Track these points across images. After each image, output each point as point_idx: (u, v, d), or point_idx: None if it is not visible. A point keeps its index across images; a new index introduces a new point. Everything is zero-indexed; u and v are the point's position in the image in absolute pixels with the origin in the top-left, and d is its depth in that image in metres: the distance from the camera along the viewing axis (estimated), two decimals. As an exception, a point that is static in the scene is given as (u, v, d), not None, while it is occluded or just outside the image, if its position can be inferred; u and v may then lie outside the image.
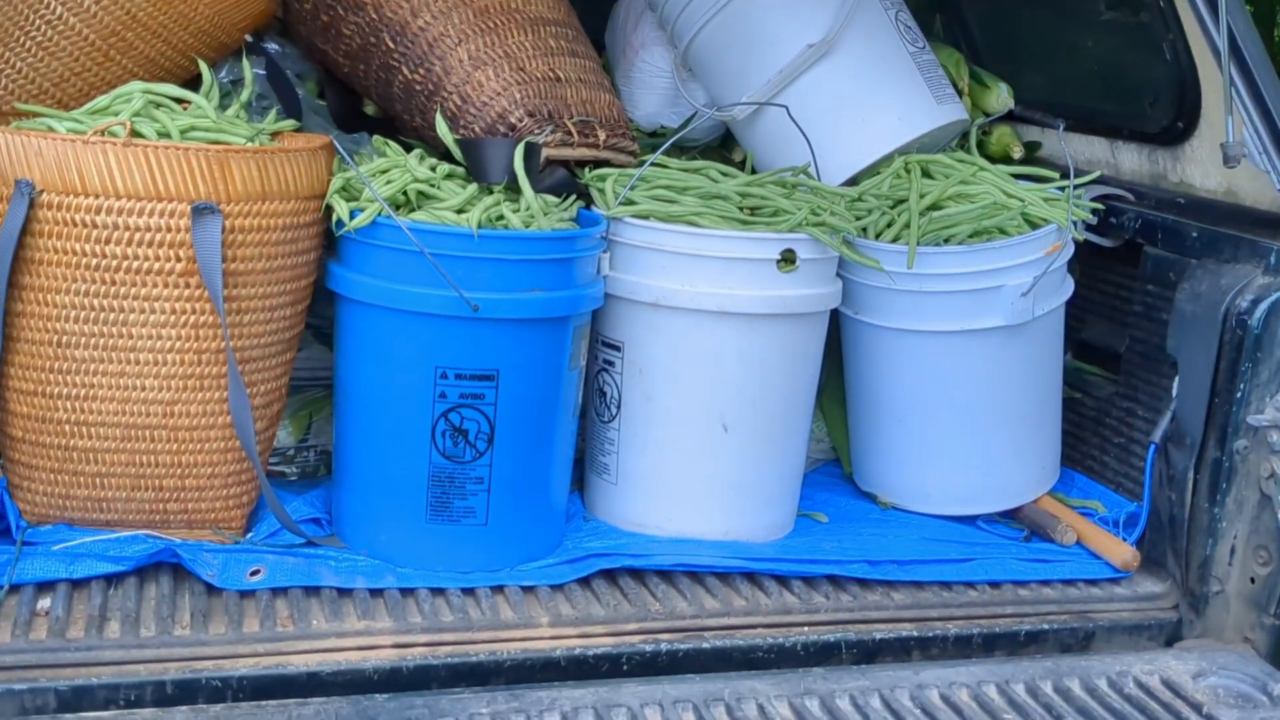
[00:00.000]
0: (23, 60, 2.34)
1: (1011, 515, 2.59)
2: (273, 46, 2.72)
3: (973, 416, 2.52)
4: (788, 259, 2.32)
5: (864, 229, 2.47)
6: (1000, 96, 2.97)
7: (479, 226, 2.10)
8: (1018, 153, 2.94)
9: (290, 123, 2.37)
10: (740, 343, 2.33)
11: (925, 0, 3.29)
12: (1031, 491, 2.59)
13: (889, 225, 2.50)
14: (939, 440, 2.54)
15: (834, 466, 2.82)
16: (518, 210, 2.19)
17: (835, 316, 2.52)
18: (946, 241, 2.45)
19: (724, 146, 3.01)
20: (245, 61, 2.34)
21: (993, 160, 2.89)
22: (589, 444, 2.49)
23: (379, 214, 2.10)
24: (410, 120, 2.54)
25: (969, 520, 2.57)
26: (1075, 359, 2.78)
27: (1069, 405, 2.71)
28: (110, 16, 2.33)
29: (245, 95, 2.29)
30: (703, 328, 2.31)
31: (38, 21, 2.31)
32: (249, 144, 2.08)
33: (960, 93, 2.91)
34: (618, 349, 2.39)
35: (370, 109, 2.75)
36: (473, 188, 2.20)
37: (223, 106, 2.33)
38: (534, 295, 2.15)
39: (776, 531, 2.44)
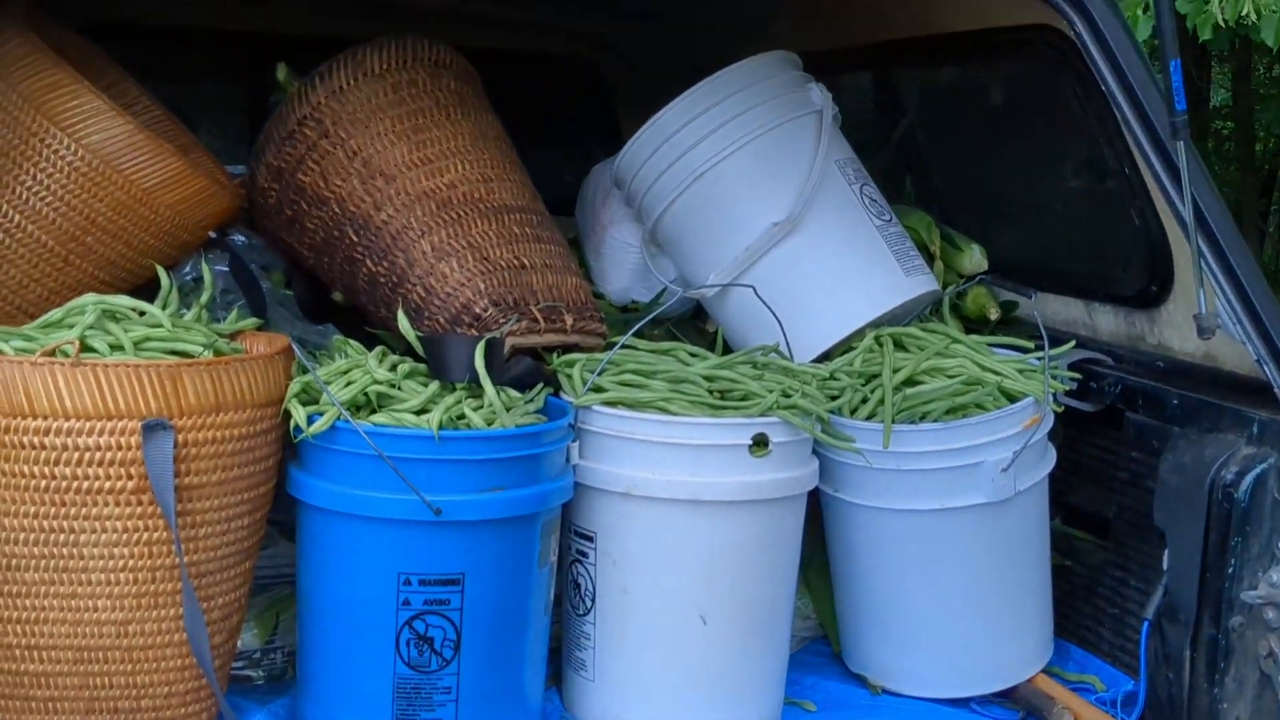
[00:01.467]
0: (-21, 269, 2.32)
1: (1006, 695, 2.50)
2: (238, 238, 2.71)
3: (959, 595, 2.45)
4: (760, 443, 2.27)
5: (838, 407, 2.43)
6: (973, 258, 2.96)
7: (440, 428, 2.05)
8: (994, 314, 2.91)
9: (252, 321, 2.34)
10: (715, 532, 2.27)
11: (894, 162, 3.31)
12: (1025, 669, 2.50)
13: (863, 402, 2.46)
14: (926, 620, 2.46)
15: (823, 644, 2.73)
16: (480, 408, 2.15)
17: (816, 492, 2.47)
18: (923, 418, 2.41)
19: (698, 316, 2.99)
20: (204, 263, 2.32)
21: (968, 321, 2.86)
22: (565, 638, 2.40)
23: (338, 418, 2.06)
24: (376, 311, 2.52)
25: (962, 703, 2.48)
26: (1063, 524, 2.71)
27: (1059, 573, 2.63)
28: (69, 223, 2.32)
29: (204, 297, 2.26)
30: (676, 517, 2.25)
31: (-5, 230, 2.30)
32: (203, 354, 2.05)
33: (932, 256, 2.89)
34: (590, 540, 2.32)
35: (339, 296, 2.73)
36: (434, 386, 2.16)
37: (185, 305, 2.31)
38: (499, 494, 2.09)
39: (762, 725, 2.35)
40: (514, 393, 2.25)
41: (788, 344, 2.53)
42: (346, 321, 2.63)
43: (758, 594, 2.32)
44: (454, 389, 2.18)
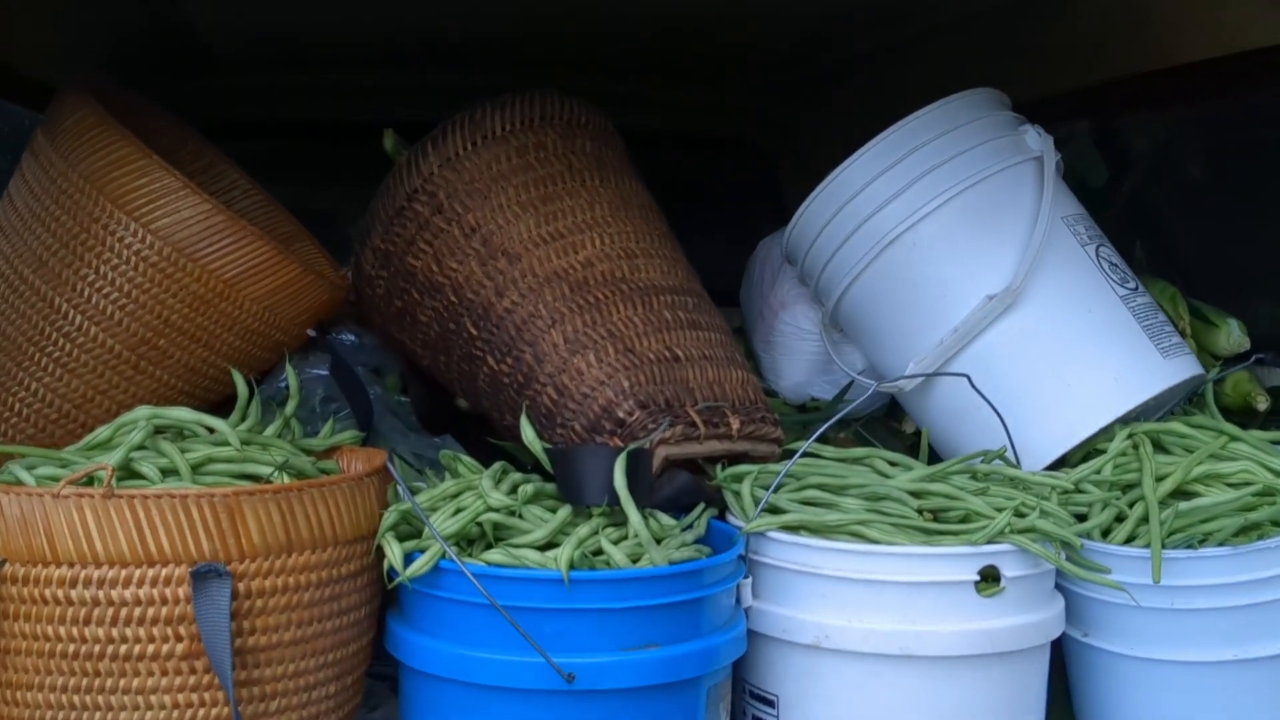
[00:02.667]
0: (38, 381, 1.97)
1: None
2: (347, 337, 2.32)
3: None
4: (990, 579, 1.74)
5: (1088, 530, 1.88)
6: (1232, 335, 2.38)
7: (570, 568, 1.58)
8: (1262, 403, 2.32)
9: (349, 435, 1.93)
10: (934, 696, 1.73)
11: (1122, 226, 2.76)
12: None
13: (1118, 521, 1.91)
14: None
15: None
16: (623, 539, 1.68)
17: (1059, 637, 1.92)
18: (1204, 541, 1.84)
19: (892, 415, 2.47)
20: (289, 367, 1.92)
21: (1228, 413, 2.28)
22: (742, 825, 1.89)
23: (441, 557, 1.61)
24: (501, 419, 2.08)
25: None
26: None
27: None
28: (138, 324, 1.95)
29: (290, 407, 1.86)
30: (881, 677, 1.73)
31: (54, 335, 1.95)
32: (273, 477, 1.63)
33: (1183, 335, 2.33)
34: (771, 704, 1.81)
35: (464, 403, 2.31)
36: (565, 513, 1.69)
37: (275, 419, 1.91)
38: (649, 653, 1.61)
39: None
40: (666, 519, 1.77)
41: (1013, 448, 2.00)
42: (471, 432, 2.20)
43: (991, 775, 1.78)
44: (590, 515, 1.71)
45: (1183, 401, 2.23)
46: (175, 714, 1.55)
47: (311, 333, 2.14)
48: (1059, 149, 2.25)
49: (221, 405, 1.98)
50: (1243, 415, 2.30)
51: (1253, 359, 2.28)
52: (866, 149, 2.16)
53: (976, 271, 2.09)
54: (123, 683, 1.53)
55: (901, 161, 2.13)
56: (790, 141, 3.89)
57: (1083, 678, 1.96)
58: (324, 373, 2.16)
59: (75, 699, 1.53)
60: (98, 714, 1.54)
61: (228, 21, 2.88)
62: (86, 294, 1.93)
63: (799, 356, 2.40)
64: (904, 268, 2.14)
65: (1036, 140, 2.18)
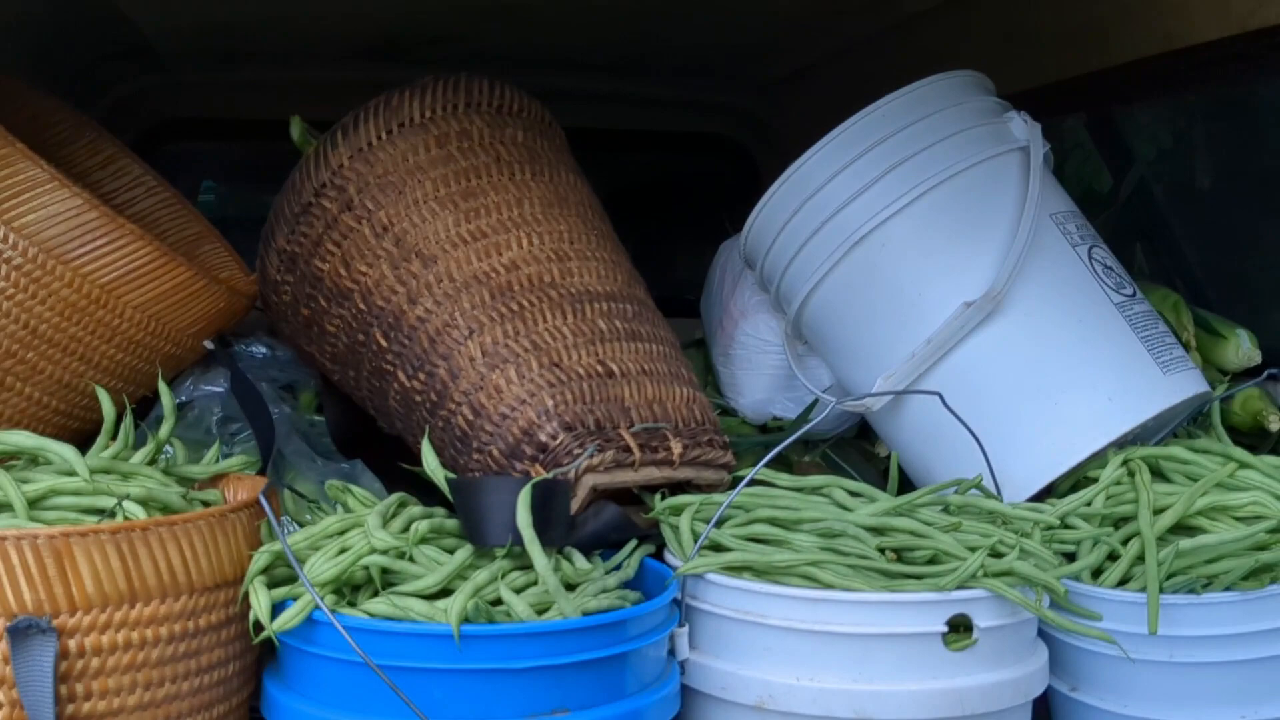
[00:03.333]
0: (-111, 398, 1.74)
1: None
2: (259, 350, 2.10)
3: None
4: (961, 628, 1.51)
5: (1075, 572, 1.65)
6: (1241, 348, 2.15)
7: (462, 620, 1.35)
8: (1275, 424, 2.08)
9: (238, 460, 1.70)
10: (895, 765, 1.50)
11: (1120, 228, 2.52)
12: None
13: (1111, 560, 1.67)
14: None
15: None
16: (530, 585, 1.44)
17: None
18: (1207, 586, 1.60)
19: (864, 436, 2.24)
20: (162, 386, 1.69)
21: (1238, 437, 2.04)
22: None
23: (313, 608, 1.38)
24: (415, 442, 1.85)
25: None
26: None
27: None
28: (3, 334, 1.72)
29: (163, 430, 1.63)
30: (835, 743, 1.50)
31: (-93, 347, 1.72)
32: (115, 515, 1.40)
33: (1186, 347, 2.09)
34: (710, 770, 1.58)
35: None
36: (463, 555, 1.46)
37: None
38: None
39: None
40: (582, 561, 1.53)
41: (993, 475, 1.77)
42: (390, 458, 1.97)
43: None
44: (495, 557, 1.48)
45: (1185, 422, 1.99)
46: (-5, 794, 1.31)
47: (209, 345, 1.91)
48: (1056, 145, 2.03)
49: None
50: (1253, 437, 2.07)
51: (1264, 375, 2.04)
52: (829, 139, 1.92)
53: (953, 275, 1.85)
54: (-70, 757, 1.30)
55: (869, 152, 1.90)
56: (771, 139, 3.67)
57: (1072, 737, 1.72)
58: (222, 390, 1.93)
59: (-123, 777, 1.30)
60: (-96, 793, 1.31)
61: (166, 17, 2.68)
62: (-56, 300, 1.71)
63: (760, 371, 2.17)
64: (872, 271, 1.90)
65: (1022, 128, 1.95)
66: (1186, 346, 2.10)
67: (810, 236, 1.95)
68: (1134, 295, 1.93)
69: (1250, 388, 2.08)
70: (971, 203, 1.88)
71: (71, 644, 1.31)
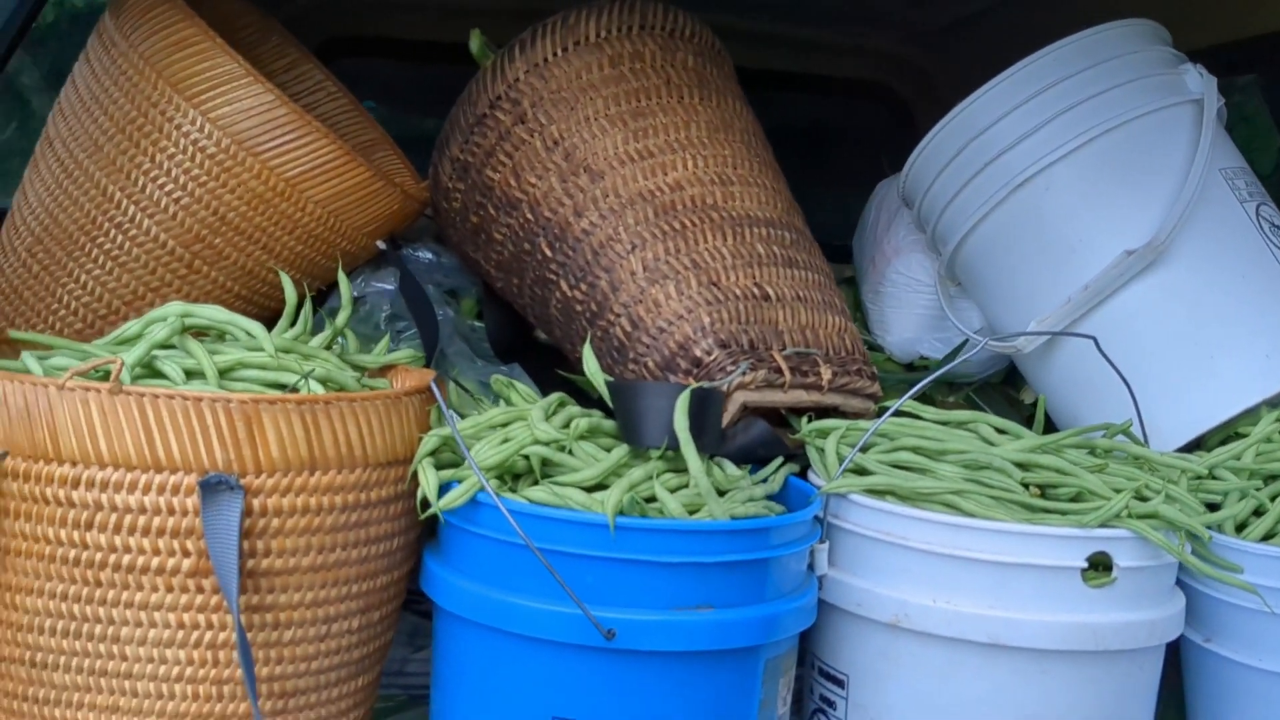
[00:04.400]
0: (88, 273, 1.86)
1: None
2: (425, 255, 2.18)
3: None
4: (1100, 566, 1.52)
5: (1219, 521, 1.65)
6: None
7: (618, 513, 1.41)
8: None
9: (405, 354, 1.78)
10: (1024, 693, 1.53)
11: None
12: None
13: (1256, 515, 1.66)
14: None
15: None
16: (681, 488, 1.50)
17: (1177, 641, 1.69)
18: (1357, 545, 1.59)
19: (1009, 383, 2.25)
20: (341, 274, 1.77)
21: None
22: (800, 813, 1.72)
23: (478, 489, 1.45)
24: (573, 350, 1.92)
25: None
26: None
27: None
28: (194, 219, 1.83)
29: (341, 318, 1.72)
30: (966, 666, 1.53)
31: (107, 226, 1.84)
32: (298, 389, 1.49)
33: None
34: (840, 684, 1.63)
35: (544, 335, 2.15)
36: (620, 453, 1.52)
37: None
38: (701, 616, 1.43)
39: None
40: (734, 469, 1.58)
41: (1141, 424, 1.77)
42: (544, 365, 2.04)
43: (1084, 788, 1.57)
44: (648, 459, 1.53)
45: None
46: (181, 634, 1.42)
47: (382, 245, 2.00)
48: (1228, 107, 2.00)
49: (281, 315, 1.85)
50: None
51: None
52: (1000, 79, 1.93)
53: (1116, 223, 1.85)
54: (125, 595, 1.40)
55: (1039, 95, 1.90)
56: (928, 89, 3.64)
57: (1201, 688, 1.73)
58: (392, 287, 2.01)
59: (76, 609, 1.41)
60: (98, 626, 1.42)
61: None
62: (142, 184, 1.82)
63: (909, 310, 2.19)
64: (1033, 214, 1.90)
65: (1197, 81, 1.93)
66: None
67: (972, 177, 1.95)
68: (1301, 255, 1.90)
69: None
70: (1140, 151, 1.87)
71: (255, 503, 1.40)
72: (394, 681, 1.90)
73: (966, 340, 2.09)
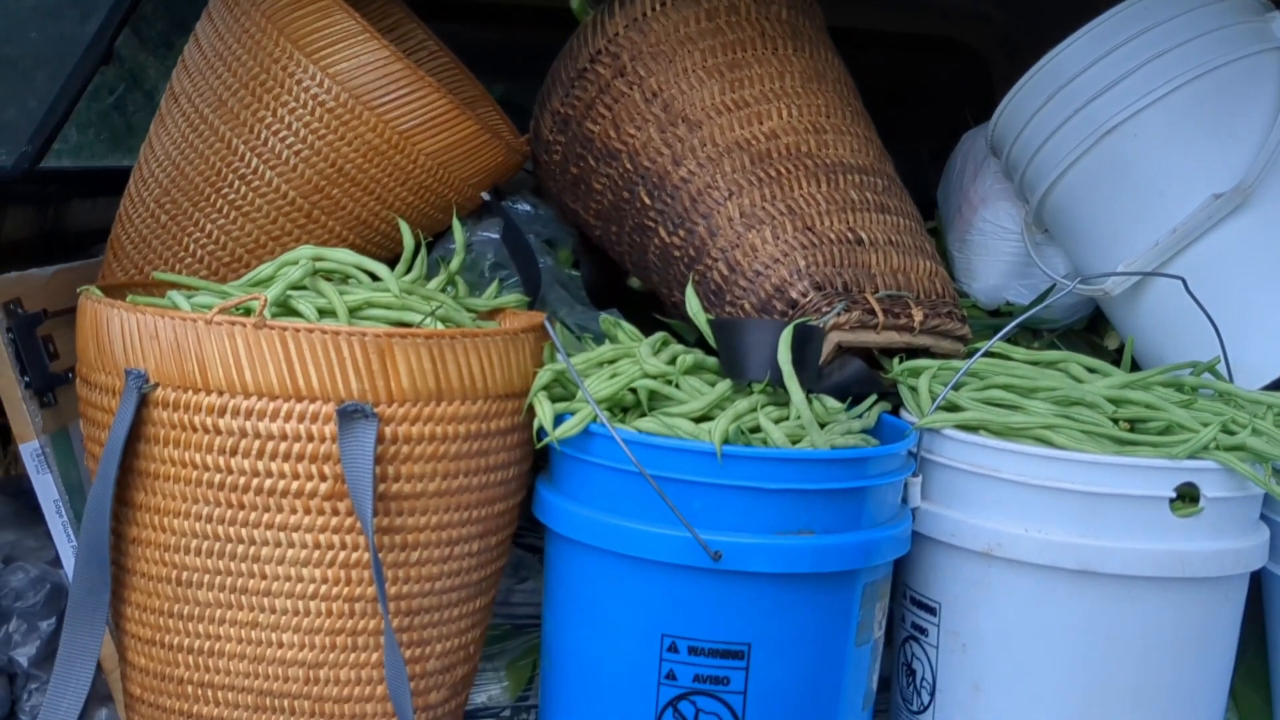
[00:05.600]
0: (213, 222, 1.96)
1: None
2: (524, 207, 2.26)
3: None
4: (1188, 497, 1.58)
5: (1305, 454, 1.70)
6: None
7: (725, 442, 1.49)
8: None
9: (513, 298, 1.87)
10: (1113, 618, 1.59)
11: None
12: None
13: (1343, 449, 1.71)
14: None
15: (1251, 780, 1.97)
16: (783, 419, 1.57)
17: (1256, 574, 1.75)
18: None
19: (1093, 330, 2.29)
20: (456, 222, 1.86)
21: None
22: (892, 738, 1.80)
23: (592, 420, 1.54)
24: (670, 294, 2.00)
25: None
26: None
27: None
28: (313, 170, 1.92)
29: (455, 262, 1.81)
30: (1057, 593, 1.60)
31: (230, 177, 1.94)
32: (425, 323, 1.58)
33: None
34: (932, 612, 1.70)
35: (636, 283, 2.23)
36: (725, 386, 1.60)
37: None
38: (803, 540, 1.51)
39: None
40: (833, 402, 1.66)
41: (1228, 362, 1.82)
42: (639, 310, 2.12)
43: (1170, 710, 1.63)
44: (751, 392, 1.61)
45: None
46: (317, 554, 1.52)
47: (486, 196, 2.08)
48: None
49: (390, 264, 1.94)
50: None
51: None
52: (1087, 29, 1.97)
53: (1203, 167, 1.89)
54: (265, 517, 1.51)
55: (1126, 44, 1.94)
56: (1007, 48, 3.65)
57: (1284, 620, 1.78)
58: (495, 237, 2.10)
59: (219, 529, 1.52)
60: (240, 546, 1.53)
61: None
62: (264, 137, 1.91)
63: (996, 257, 2.24)
64: (1121, 160, 1.95)
65: (1285, 29, 1.96)
66: None
67: (1060, 125, 2.00)
68: (1388, 198, 1.93)
69: None
70: (1227, 98, 1.91)
71: (387, 431, 1.50)
72: (499, 611, 2.00)
73: (1053, 285, 2.14)
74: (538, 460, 1.71)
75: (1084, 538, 1.58)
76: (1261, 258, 1.87)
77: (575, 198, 2.11)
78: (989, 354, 1.79)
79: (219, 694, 1.58)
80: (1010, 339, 1.86)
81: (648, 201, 1.95)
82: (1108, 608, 1.59)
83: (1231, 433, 1.63)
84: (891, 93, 4.02)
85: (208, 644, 1.57)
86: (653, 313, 2.01)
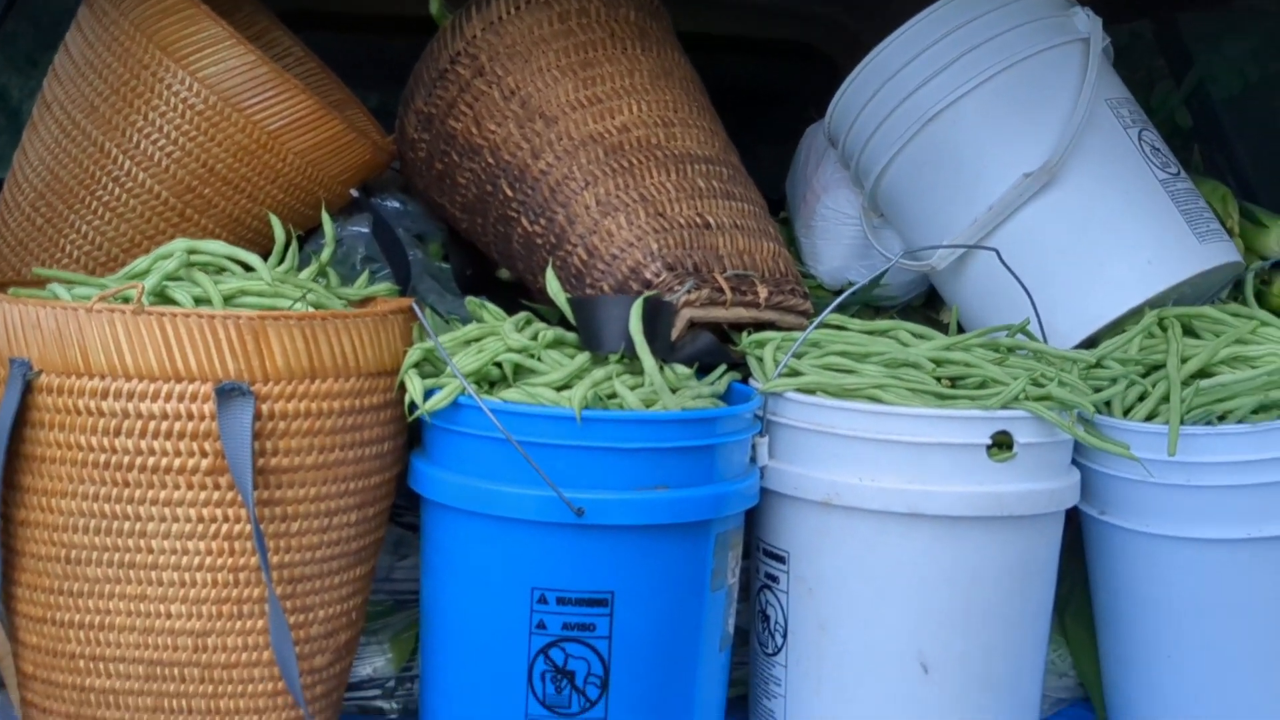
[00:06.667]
0: (88, 223, 2.04)
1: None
2: (393, 203, 2.37)
3: (1269, 651, 1.85)
4: (1002, 443, 1.75)
5: (1107, 403, 1.88)
6: (1281, 237, 2.35)
7: (584, 406, 1.62)
8: (1310, 304, 2.29)
9: (384, 287, 1.97)
10: (941, 555, 1.76)
11: (1180, 129, 2.72)
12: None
13: (1140, 399, 1.90)
14: (1223, 684, 1.87)
15: (1083, 709, 2.15)
16: (638, 386, 1.71)
17: (1076, 514, 1.93)
18: (1222, 419, 1.83)
19: (929, 306, 2.48)
20: (325, 215, 1.97)
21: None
22: (752, 682, 1.94)
23: (460, 393, 1.66)
24: (534, 281, 2.12)
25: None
26: None
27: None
28: (185, 171, 2.01)
29: (325, 254, 1.91)
30: (890, 535, 1.76)
31: (104, 180, 2.02)
32: (296, 307, 1.68)
33: (1229, 233, 2.30)
34: (782, 560, 1.85)
35: (504, 273, 2.35)
36: (583, 359, 1.73)
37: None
38: (659, 494, 1.65)
39: (1000, 811, 1.81)
40: (683, 369, 1.80)
41: (1041, 326, 2.00)
42: (508, 299, 2.24)
43: (997, 639, 1.80)
44: (608, 363, 1.74)
45: (1221, 297, 2.21)
46: (200, 527, 1.61)
47: (355, 192, 2.19)
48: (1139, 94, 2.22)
49: (263, 258, 2.03)
50: (1285, 319, 2.27)
51: (1301, 252, 2.25)
52: (908, 26, 2.15)
53: (1015, 149, 2.08)
54: (150, 494, 1.60)
55: (945, 38, 2.12)
56: (854, 50, 3.84)
57: (1099, 556, 1.97)
58: (366, 231, 2.20)
59: (106, 508, 1.60)
60: (126, 523, 1.61)
61: None
62: (136, 140, 1.99)
63: (838, 241, 2.40)
64: (943, 145, 2.13)
65: (1084, 22, 2.16)
66: (1230, 233, 2.31)
67: (888, 115, 2.17)
68: (1178, 174, 2.14)
69: (1282, 264, 2.29)
70: (1035, 86, 2.10)
71: (264, 408, 1.60)
72: (382, 588, 2.10)
73: (889, 266, 2.31)
74: (413, 439, 1.82)
75: (912, 484, 1.74)
76: (1068, 228, 2.06)
77: (441, 192, 2.23)
78: (829, 325, 1.94)
79: (110, 666, 1.66)
80: (852, 314, 2.02)
81: (510, 193, 2.07)
82: (936, 546, 1.75)
83: (1040, 385, 1.81)
84: (745, 95, 4.20)
85: (98, 619, 1.64)
86: (520, 299, 2.14)
